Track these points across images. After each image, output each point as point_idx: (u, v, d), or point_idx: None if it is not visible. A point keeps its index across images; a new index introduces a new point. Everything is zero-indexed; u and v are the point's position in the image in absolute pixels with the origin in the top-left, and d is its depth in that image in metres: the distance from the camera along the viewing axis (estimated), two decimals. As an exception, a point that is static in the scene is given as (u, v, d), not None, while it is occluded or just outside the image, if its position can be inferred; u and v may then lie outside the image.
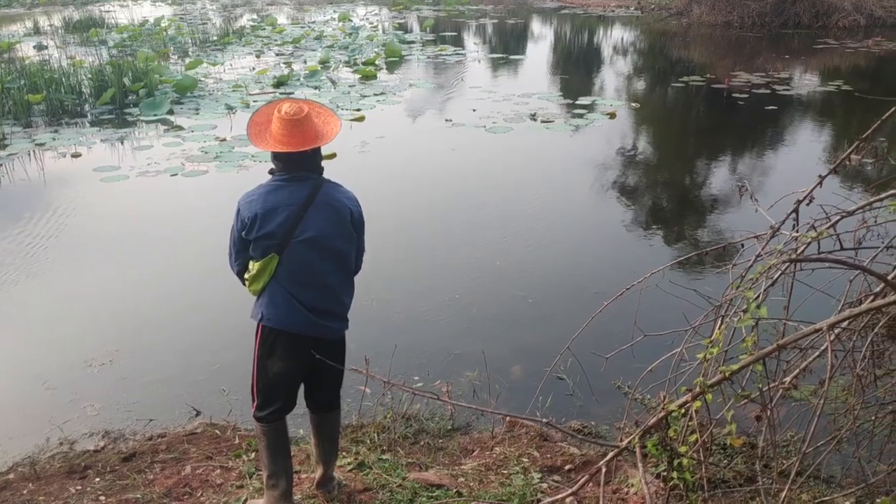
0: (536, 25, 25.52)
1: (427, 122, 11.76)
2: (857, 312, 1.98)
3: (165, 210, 8.01)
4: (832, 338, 1.79)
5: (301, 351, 3.16)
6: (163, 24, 21.72)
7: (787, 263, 2.16)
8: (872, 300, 2.18)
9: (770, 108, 12.13)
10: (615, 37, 22.64)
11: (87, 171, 9.16)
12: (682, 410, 1.87)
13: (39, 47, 18.47)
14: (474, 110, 12.03)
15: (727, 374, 1.86)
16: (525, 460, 4.00)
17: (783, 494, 1.85)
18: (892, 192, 2.37)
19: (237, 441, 4.25)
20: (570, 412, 4.55)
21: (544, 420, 2.17)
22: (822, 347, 1.89)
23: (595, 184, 8.80)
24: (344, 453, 3.96)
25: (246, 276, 3.19)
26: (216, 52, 17.80)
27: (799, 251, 2.32)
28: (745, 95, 12.96)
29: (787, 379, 2.00)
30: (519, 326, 5.57)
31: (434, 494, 3.61)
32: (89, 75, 13.04)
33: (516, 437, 4.31)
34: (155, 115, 11.83)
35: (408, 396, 4.52)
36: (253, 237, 3.08)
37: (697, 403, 1.86)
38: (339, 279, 3.21)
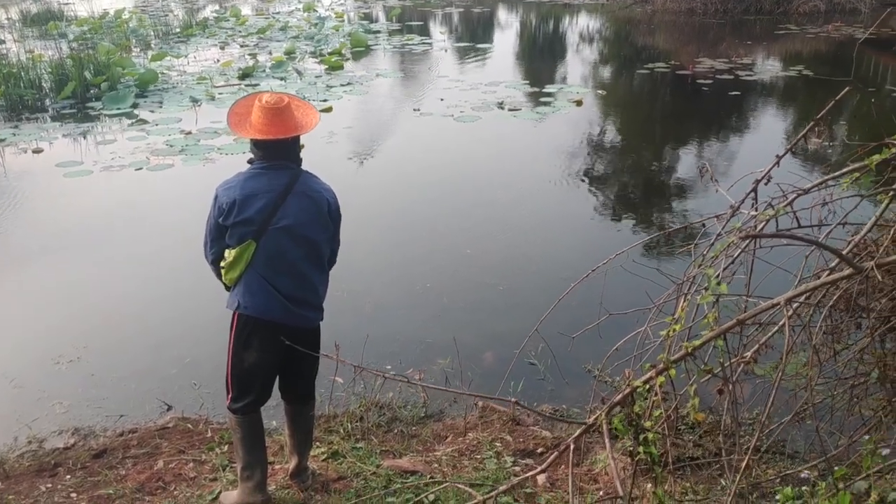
0: (503, 14, 25.54)
1: (395, 111, 11.73)
2: (812, 287, 2.05)
3: (131, 204, 7.90)
4: (790, 312, 1.84)
5: (277, 340, 3.16)
6: (124, 17, 21.31)
7: (746, 240, 2.22)
8: (828, 275, 2.25)
9: (734, 93, 12.30)
10: (581, 25, 22.76)
11: (50, 167, 8.99)
12: (647, 386, 1.92)
13: (-4, 41, 18.04)
14: (442, 99, 12.03)
15: (689, 350, 1.91)
16: (498, 445, 4.04)
17: (743, 464, 1.91)
18: (845, 169, 2.44)
19: (210, 434, 4.23)
20: (542, 396, 4.60)
21: (513, 400, 2.20)
22: (781, 322, 1.94)
23: (563, 171, 8.86)
24: (317, 443, 3.97)
25: (222, 264, 3.18)
26: (179, 45, 17.54)
27: (758, 229, 2.38)
28: (709, 81, 13.12)
29: (748, 353, 2.06)
30: (490, 314, 5.61)
31: (408, 481, 3.64)
32: (49, 69, 12.78)
33: (489, 423, 4.36)
34: (118, 108, 11.65)
35: (380, 385, 4.54)
36: (230, 223, 3.08)
37: (661, 379, 1.91)
38: (311, 268, 3.22)
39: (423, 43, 17.99)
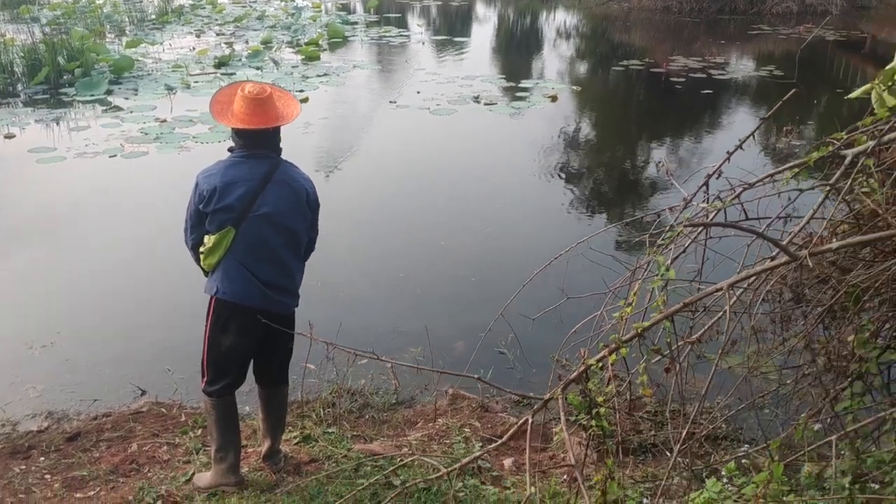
0: (480, 8, 25.63)
1: (371, 103, 11.79)
2: (753, 272, 2.19)
3: (105, 191, 7.89)
4: (733, 299, 1.97)
5: (254, 325, 3.23)
6: (98, 2, 21.06)
7: (693, 229, 2.36)
8: (769, 263, 2.39)
9: (706, 91, 12.50)
10: (557, 20, 22.94)
11: (22, 153, 8.94)
12: (600, 364, 2.04)
13: (-34, 25, 17.76)
14: (418, 92, 12.11)
15: (640, 331, 2.04)
16: (467, 430, 4.16)
17: (684, 432, 2.04)
18: (787, 165, 2.58)
19: (183, 419, 4.29)
20: (510, 384, 4.70)
21: (476, 376, 2.32)
22: (726, 308, 2.08)
23: (537, 166, 8.99)
24: (290, 427, 4.06)
25: (201, 249, 3.25)
26: (154, 32, 17.41)
27: (708, 219, 2.52)
28: (683, 79, 13.32)
29: (695, 336, 2.19)
30: (463, 305, 5.71)
31: (378, 464, 3.73)
32: (21, 54, 12.65)
33: (458, 409, 4.47)
34: (92, 95, 11.58)
35: (352, 372, 4.61)
36: (210, 210, 3.15)
37: (613, 357, 2.04)
38: (290, 255, 3.30)
39: (401, 35, 18.03)
